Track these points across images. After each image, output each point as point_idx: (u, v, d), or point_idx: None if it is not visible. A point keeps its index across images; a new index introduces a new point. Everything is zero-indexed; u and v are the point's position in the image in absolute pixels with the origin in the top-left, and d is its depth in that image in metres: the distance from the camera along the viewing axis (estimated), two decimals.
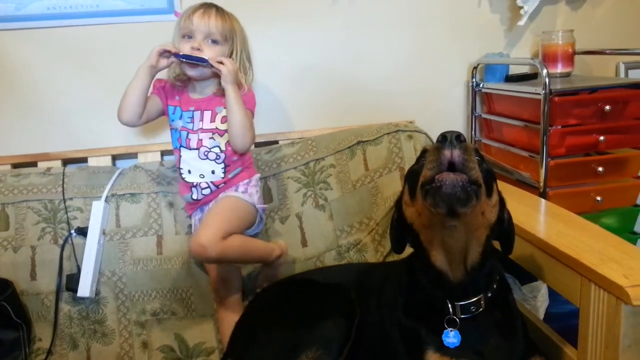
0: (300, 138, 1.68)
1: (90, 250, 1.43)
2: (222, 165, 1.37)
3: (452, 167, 0.84)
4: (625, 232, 1.60)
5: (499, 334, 0.98)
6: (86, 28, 1.62)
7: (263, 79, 1.69)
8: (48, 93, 1.66)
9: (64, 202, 1.49)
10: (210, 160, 1.36)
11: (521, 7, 1.74)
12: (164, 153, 1.68)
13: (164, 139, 1.68)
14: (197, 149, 1.36)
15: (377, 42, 1.78)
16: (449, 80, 1.84)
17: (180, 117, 1.38)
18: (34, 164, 1.62)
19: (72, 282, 1.42)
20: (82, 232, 1.46)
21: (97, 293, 1.44)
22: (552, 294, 1.51)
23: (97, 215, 1.46)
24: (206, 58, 1.29)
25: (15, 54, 1.62)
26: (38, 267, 1.45)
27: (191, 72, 1.34)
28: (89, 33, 1.63)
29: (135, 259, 1.47)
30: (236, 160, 1.39)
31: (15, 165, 1.62)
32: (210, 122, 1.36)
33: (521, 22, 1.76)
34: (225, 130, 1.35)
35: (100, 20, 1.62)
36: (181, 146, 1.38)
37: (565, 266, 1.03)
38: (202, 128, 1.36)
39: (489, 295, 0.97)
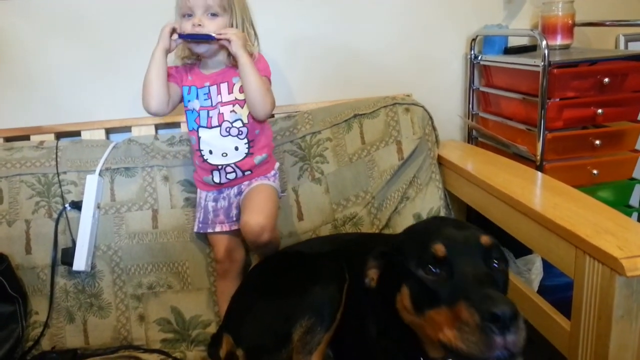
0: (296, 111, 1.66)
1: (85, 224, 1.43)
2: (245, 140, 1.36)
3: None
4: (620, 205, 1.60)
5: None
6: None
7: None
8: (40, 65, 1.63)
9: (58, 176, 1.48)
10: (233, 136, 1.35)
11: None
12: (158, 126, 1.66)
13: None
14: (219, 125, 1.35)
15: (375, 15, 1.74)
16: (447, 53, 1.82)
17: (197, 97, 1.36)
18: (26, 138, 1.60)
19: (68, 256, 1.41)
20: (77, 206, 1.45)
21: (93, 267, 1.44)
22: (546, 267, 1.51)
23: (91, 189, 1.45)
24: (210, 34, 1.28)
25: (5, 26, 1.59)
26: (33, 241, 1.44)
27: (199, 49, 1.33)
28: (82, 3, 1.59)
29: (130, 232, 1.47)
30: (259, 136, 1.39)
31: (8, 139, 1.60)
32: (229, 93, 1.35)
33: None
34: (245, 100, 1.34)
35: None
36: (199, 127, 1.36)
37: (561, 238, 1.03)
38: (221, 101, 1.35)
39: None
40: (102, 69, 1.66)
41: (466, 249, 0.78)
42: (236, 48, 1.28)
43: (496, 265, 0.78)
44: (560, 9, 1.66)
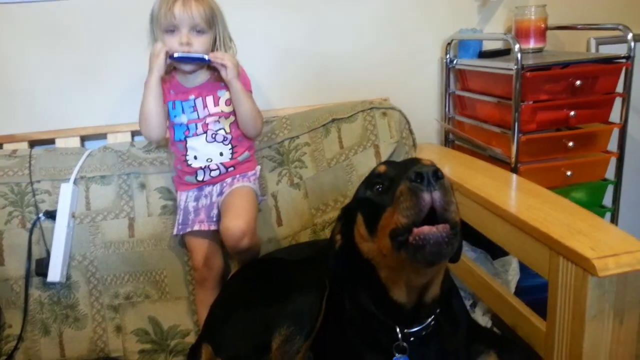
0: (274, 117, 1.66)
1: (60, 234, 1.40)
2: (230, 146, 1.39)
3: (429, 210, 0.73)
4: (594, 205, 1.64)
5: (446, 343, 0.94)
6: (54, 4, 1.56)
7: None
8: (12, 72, 1.60)
9: (31, 185, 1.45)
10: (218, 142, 1.38)
11: None
12: (134, 133, 1.64)
13: (134, 118, 1.64)
14: (205, 132, 1.37)
15: (350, 19, 1.75)
16: (423, 57, 1.84)
17: (183, 111, 1.37)
18: None
19: (42, 266, 1.39)
20: (51, 215, 1.42)
21: (68, 277, 1.41)
22: (523, 268, 1.53)
23: (65, 198, 1.43)
24: (206, 57, 1.28)
25: None
26: (6, 252, 1.41)
27: (187, 67, 1.34)
28: (57, 10, 1.57)
29: (106, 242, 1.44)
30: (242, 141, 1.42)
31: None
32: (215, 106, 1.37)
33: None
34: (230, 113, 1.38)
35: None
36: (186, 137, 1.38)
37: (535, 240, 1.04)
38: (208, 114, 1.36)
39: (438, 310, 0.91)
40: (77, 75, 1.63)
41: (405, 165, 0.83)
42: (231, 76, 1.30)
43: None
44: (533, 13, 1.69)
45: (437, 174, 0.73)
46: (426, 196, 0.72)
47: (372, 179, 0.86)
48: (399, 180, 0.78)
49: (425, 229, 0.72)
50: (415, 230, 0.73)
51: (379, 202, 0.81)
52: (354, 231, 0.89)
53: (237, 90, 1.32)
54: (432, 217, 0.74)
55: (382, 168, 0.86)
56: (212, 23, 1.32)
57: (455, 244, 0.76)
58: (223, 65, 1.29)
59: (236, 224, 1.26)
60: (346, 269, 0.93)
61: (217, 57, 1.30)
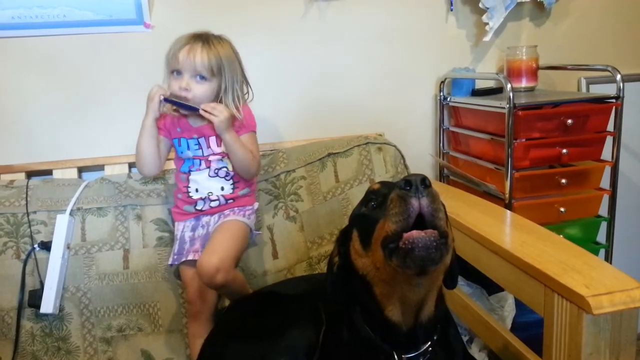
0: (271, 150, 1.68)
1: (54, 265, 1.40)
2: (231, 182, 1.41)
3: (419, 217, 0.76)
4: (588, 242, 1.65)
5: None
6: (52, 38, 1.59)
7: None
8: (11, 104, 1.62)
9: (28, 216, 1.45)
10: (220, 177, 1.40)
11: (486, 24, 1.79)
12: (131, 165, 1.65)
13: (132, 150, 1.66)
14: (207, 168, 1.39)
15: (347, 57, 1.80)
16: (418, 94, 1.88)
17: (188, 147, 1.39)
18: None
19: (35, 298, 1.37)
20: (46, 246, 1.42)
21: (61, 309, 1.40)
22: (519, 304, 1.53)
23: (61, 229, 1.43)
24: (197, 107, 1.30)
25: None
26: None
27: (182, 112, 1.37)
28: (55, 43, 1.60)
29: (100, 273, 1.44)
30: (243, 178, 1.44)
31: None
32: (218, 146, 1.39)
33: (486, 38, 1.81)
34: None
35: (67, 31, 1.59)
36: (190, 170, 1.40)
37: (530, 276, 1.05)
38: (212, 153, 1.39)
39: (435, 337, 0.91)
40: (75, 107, 1.65)
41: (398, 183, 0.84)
42: (220, 131, 1.32)
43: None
44: (524, 53, 1.73)
45: (425, 182, 0.76)
46: (414, 202, 0.75)
47: (367, 196, 0.90)
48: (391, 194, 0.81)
49: (414, 233, 0.75)
50: (405, 235, 0.75)
51: (372, 216, 0.84)
52: (350, 249, 0.91)
53: (228, 141, 1.33)
54: (422, 225, 0.76)
55: (377, 186, 0.90)
56: (217, 72, 1.32)
57: (444, 253, 0.77)
58: (212, 120, 1.30)
59: (209, 260, 1.24)
60: (344, 294, 0.94)
61: (208, 109, 1.30)
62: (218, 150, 1.39)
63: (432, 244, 0.74)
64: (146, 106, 1.35)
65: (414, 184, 0.75)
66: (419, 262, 0.75)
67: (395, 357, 0.89)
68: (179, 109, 1.36)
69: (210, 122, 1.31)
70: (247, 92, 1.43)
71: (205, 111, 1.30)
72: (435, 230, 0.76)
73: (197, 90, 1.31)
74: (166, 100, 1.32)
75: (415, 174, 0.77)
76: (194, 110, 1.31)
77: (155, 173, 1.43)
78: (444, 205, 0.81)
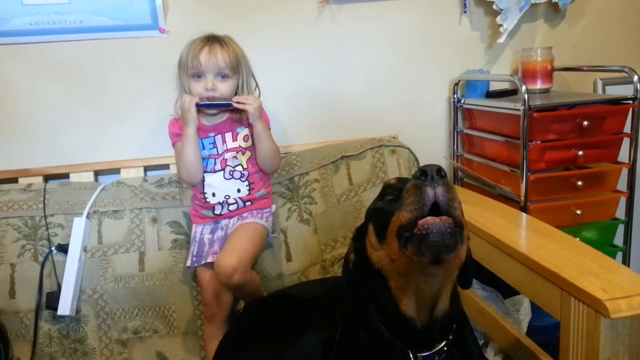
0: (285, 153, 1.69)
1: (71, 268, 1.41)
2: (247, 183, 1.44)
3: (434, 207, 0.76)
4: (605, 245, 1.63)
5: None
6: (69, 44, 1.62)
7: None
8: (30, 108, 1.65)
9: (45, 219, 1.48)
10: (236, 179, 1.43)
11: (500, 25, 1.78)
12: (147, 168, 1.67)
13: (147, 154, 1.68)
14: (222, 169, 1.42)
15: (360, 59, 1.80)
16: (431, 96, 1.87)
17: (203, 147, 1.42)
18: (14, 180, 1.60)
19: (53, 300, 1.39)
20: (63, 249, 1.44)
21: (78, 311, 1.42)
22: (535, 307, 1.52)
23: (78, 231, 1.45)
24: (230, 102, 1.35)
25: None
26: (17, 285, 1.42)
27: (211, 111, 1.41)
28: (72, 49, 1.62)
29: (116, 276, 1.45)
30: (258, 178, 1.46)
31: None
32: (233, 141, 1.42)
33: (501, 40, 1.79)
34: (247, 148, 1.43)
35: (84, 36, 1.61)
36: (205, 172, 1.42)
37: (546, 280, 1.04)
38: (227, 149, 1.42)
39: (450, 337, 0.90)
40: (91, 112, 1.67)
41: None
42: (254, 119, 1.37)
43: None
44: (539, 55, 1.72)
45: (441, 172, 0.76)
46: (429, 191, 0.75)
47: (383, 190, 0.90)
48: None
49: (429, 219, 0.75)
50: (420, 221, 0.75)
51: (388, 209, 0.84)
52: (366, 244, 0.91)
53: (259, 130, 1.39)
54: (437, 214, 0.76)
55: (393, 180, 0.91)
56: (237, 68, 1.39)
57: (459, 241, 0.77)
58: (247, 109, 1.35)
59: (227, 260, 1.26)
60: (360, 291, 0.93)
61: (241, 101, 1.36)
62: (232, 145, 1.41)
63: (446, 230, 0.74)
64: (184, 119, 1.37)
65: (430, 173, 0.76)
66: (434, 248, 0.75)
67: (411, 356, 0.88)
68: (207, 110, 1.40)
69: (240, 114, 1.38)
70: (256, 87, 1.48)
71: (239, 102, 1.35)
72: (450, 218, 0.76)
73: (222, 89, 1.37)
74: (200, 105, 1.36)
75: (430, 164, 0.78)
76: (227, 107, 1.37)
77: (200, 179, 1.43)
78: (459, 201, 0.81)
